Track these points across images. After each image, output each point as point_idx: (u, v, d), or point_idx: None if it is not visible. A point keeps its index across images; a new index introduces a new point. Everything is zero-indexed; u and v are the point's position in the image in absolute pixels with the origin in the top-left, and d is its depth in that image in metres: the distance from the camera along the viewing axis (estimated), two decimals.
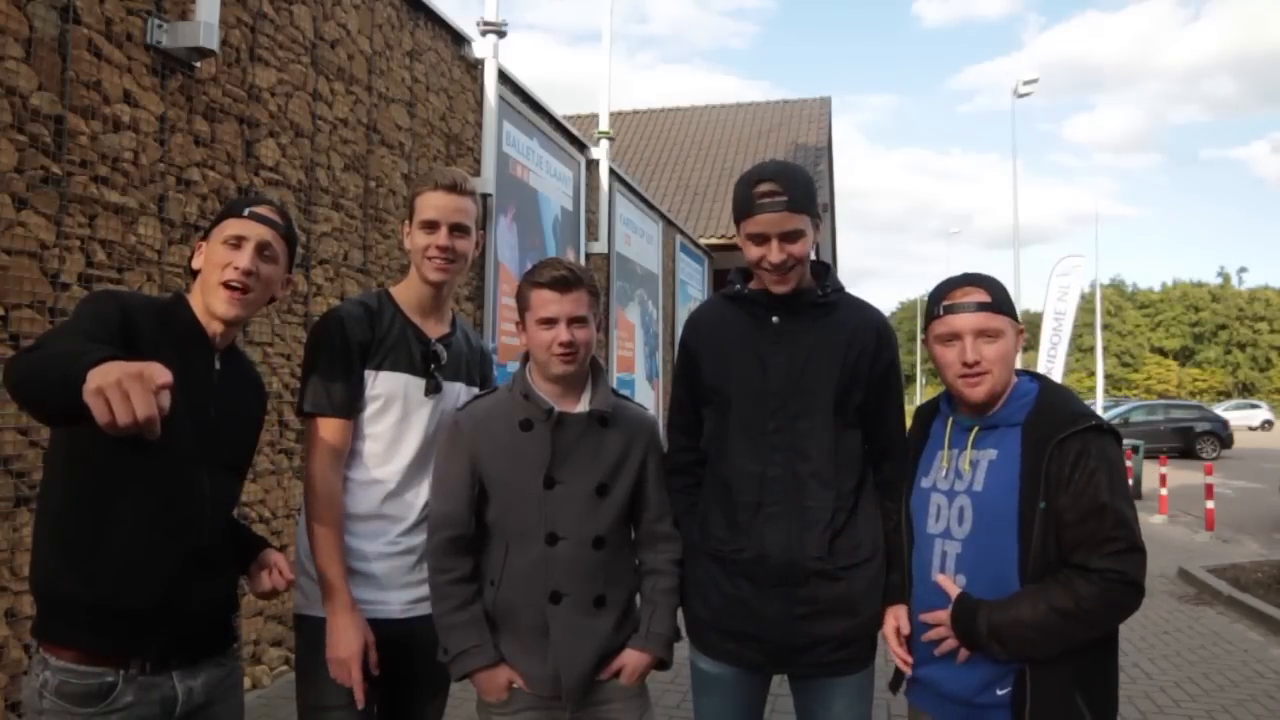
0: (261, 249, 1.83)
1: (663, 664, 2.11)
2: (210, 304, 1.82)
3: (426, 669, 2.12)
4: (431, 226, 2.12)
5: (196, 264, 1.87)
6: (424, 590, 2.08)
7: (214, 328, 1.83)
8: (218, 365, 1.85)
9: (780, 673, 2.11)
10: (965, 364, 1.86)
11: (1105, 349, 18.50)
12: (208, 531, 1.79)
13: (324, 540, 2.03)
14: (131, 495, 1.69)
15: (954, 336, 1.89)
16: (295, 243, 1.96)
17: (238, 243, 1.82)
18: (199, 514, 1.77)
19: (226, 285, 1.80)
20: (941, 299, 1.92)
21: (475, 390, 2.28)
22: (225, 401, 1.85)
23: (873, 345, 2.11)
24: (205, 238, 1.88)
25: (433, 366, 2.15)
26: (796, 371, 2.07)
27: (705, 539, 2.14)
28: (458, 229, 2.14)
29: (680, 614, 2.17)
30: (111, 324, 1.64)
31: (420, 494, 2.14)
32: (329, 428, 2.05)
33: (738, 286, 2.19)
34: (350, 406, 2.07)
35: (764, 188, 2.01)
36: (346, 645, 1.98)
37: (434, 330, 2.20)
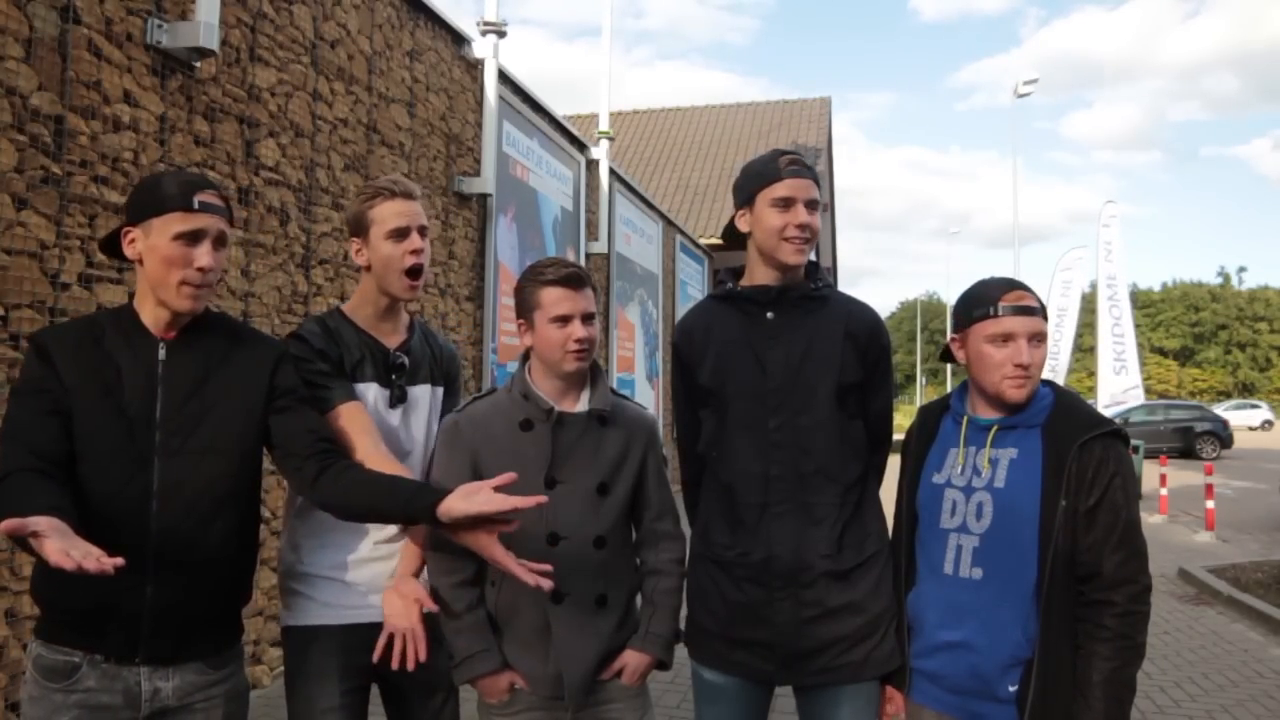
0: (219, 242, 1.78)
1: (662, 665, 2.11)
2: (168, 302, 1.75)
3: (419, 669, 2.11)
4: (402, 234, 2.08)
5: (130, 253, 1.76)
6: None
7: (161, 321, 1.78)
8: (162, 355, 1.78)
9: (788, 683, 2.05)
10: (1019, 365, 1.89)
11: (1101, 349, 17.93)
12: (159, 528, 1.71)
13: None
14: (73, 497, 1.64)
15: (1008, 338, 1.91)
16: (232, 211, 1.89)
17: (194, 239, 1.74)
18: (142, 510, 1.71)
19: (187, 283, 1.74)
20: (996, 300, 1.93)
21: (440, 391, 2.25)
22: (180, 388, 1.77)
23: (867, 333, 2.11)
24: (135, 223, 1.75)
25: (394, 377, 2.13)
26: (795, 366, 2.05)
27: (707, 545, 2.11)
28: (423, 232, 2.12)
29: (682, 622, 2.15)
30: (36, 383, 1.71)
31: None
32: (351, 411, 2.02)
33: (729, 285, 2.16)
34: (352, 391, 2.05)
35: (789, 158, 2.07)
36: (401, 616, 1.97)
37: (392, 340, 2.17)
